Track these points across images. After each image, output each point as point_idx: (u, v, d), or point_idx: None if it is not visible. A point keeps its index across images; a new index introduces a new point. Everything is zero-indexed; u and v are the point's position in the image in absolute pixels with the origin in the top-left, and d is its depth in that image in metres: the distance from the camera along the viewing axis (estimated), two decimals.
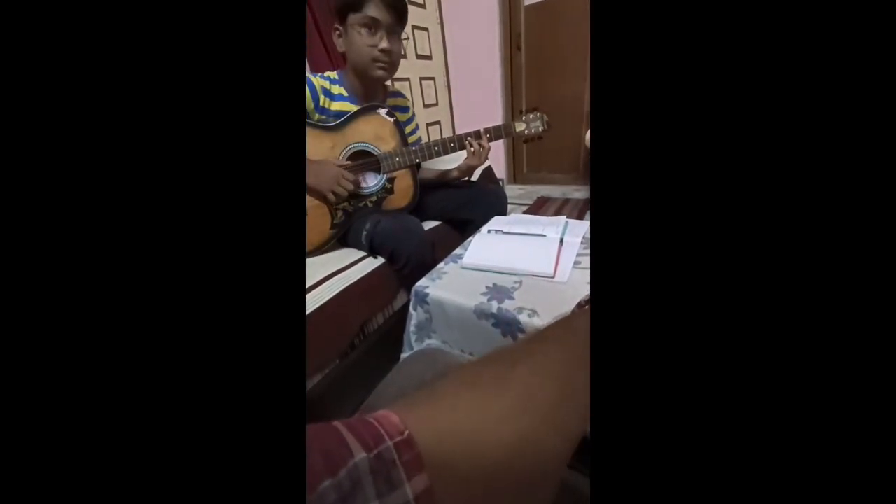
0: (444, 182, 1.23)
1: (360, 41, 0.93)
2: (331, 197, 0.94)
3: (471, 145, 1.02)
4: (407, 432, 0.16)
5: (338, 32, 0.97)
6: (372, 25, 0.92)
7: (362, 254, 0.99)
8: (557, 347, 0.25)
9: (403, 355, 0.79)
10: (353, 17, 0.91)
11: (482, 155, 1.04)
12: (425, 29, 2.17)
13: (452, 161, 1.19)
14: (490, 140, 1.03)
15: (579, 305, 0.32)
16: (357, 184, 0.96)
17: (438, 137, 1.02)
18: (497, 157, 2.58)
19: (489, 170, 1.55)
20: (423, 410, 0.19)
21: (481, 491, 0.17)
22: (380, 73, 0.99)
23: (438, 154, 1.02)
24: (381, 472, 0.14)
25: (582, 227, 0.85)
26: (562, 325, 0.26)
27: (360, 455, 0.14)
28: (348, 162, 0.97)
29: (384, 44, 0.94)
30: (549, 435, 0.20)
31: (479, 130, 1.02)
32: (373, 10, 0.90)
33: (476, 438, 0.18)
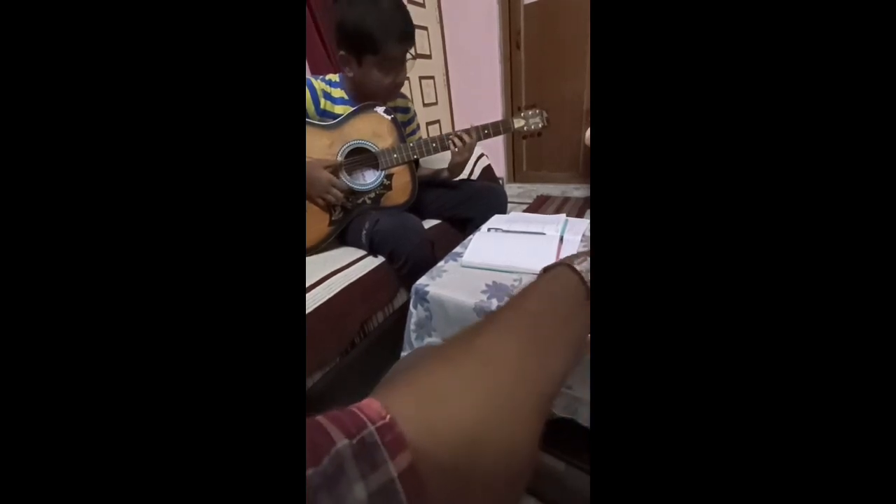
0: (440, 180, 1.23)
1: (377, 79, 0.94)
2: (320, 203, 0.95)
3: (454, 144, 1.02)
4: (388, 416, 0.17)
5: (345, 60, 0.94)
6: (390, 66, 0.93)
7: (362, 252, 0.99)
8: (517, 312, 0.26)
9: (403, 353, 0.79)
10: (369, 58, 0.90)
11: (464, 151, 1.04)
12: (425, 28, 2.17)
13: (449, 160, 1.19)
14: (488, 136, 1.03)
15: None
16: (349, 191, 0.97)
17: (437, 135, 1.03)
18: (497, 156, 2.58)
19: (489, 168, 1.55)
20: (401, 391, 0.20)
21: (464, 455, 0.18)
22: (391, 98, 1.03)
23: (436, 150, 1.02)
24: (363, 456, 0.15)
25: (582, 225, 0.85)
26: (516, 295, 0.28)
27: (343, 442, 0.15)
28: (344, 160, 0.97)
29: (400, 78, 0.96)
30: (516, 388, 0.21)
31: (477, 127, 1.02)
32: (390, 50, 0.89)
33: (449, 403, 0.19)
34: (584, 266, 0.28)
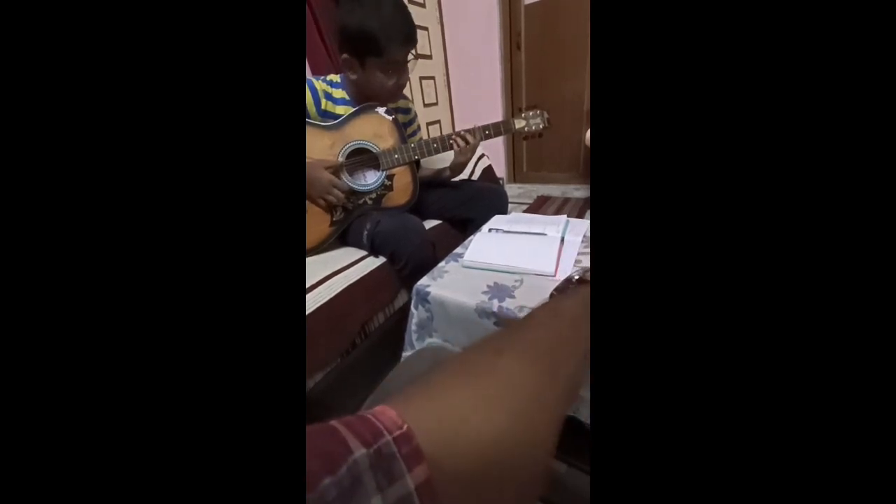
0: (441, 181, 1.23)
1: (381, 81, 0.94)
2: (321, 203, 0.95)
3: (457, 144, 1.03)
4: (405, 426, 0.16)
5: (348, 63, 0.94)
6: (393, 68, 0.93)
7: (363, 253, 0.99)
8: (542, 332, 0.26)
9: (405, 354, 0.79)
10: (372, 61, 0.90)
11: (467, 151, 1.05)
12: (425, 28, 2.17)
13: (450, 160, 1.20)
14: (489, 137, 1.04)
15: (565, 282, 0.33)
16: (350, 192, 0.97)
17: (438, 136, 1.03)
18: (497, 157, 2.58)
19: (489, 169, 1.55)
20: (418, 403, 0.19)
21: (480, 474, 0.18)
22: (393, 100, 1.04)
23: (437, 151, 1.02)
24: (381, 467, 0.15)
25: (583, 226, 0.85)
26: (546, 309, 0.27)
27: (360, 451, 0.15)
28: (345, 160, 0.97)
29: (402, 79, 0.96)
30: (536, 414, 0.21)
31: (478, 127, 1.03)
32: (394, 52, 0.89)
33: (469, 422, 0.19)
34: None
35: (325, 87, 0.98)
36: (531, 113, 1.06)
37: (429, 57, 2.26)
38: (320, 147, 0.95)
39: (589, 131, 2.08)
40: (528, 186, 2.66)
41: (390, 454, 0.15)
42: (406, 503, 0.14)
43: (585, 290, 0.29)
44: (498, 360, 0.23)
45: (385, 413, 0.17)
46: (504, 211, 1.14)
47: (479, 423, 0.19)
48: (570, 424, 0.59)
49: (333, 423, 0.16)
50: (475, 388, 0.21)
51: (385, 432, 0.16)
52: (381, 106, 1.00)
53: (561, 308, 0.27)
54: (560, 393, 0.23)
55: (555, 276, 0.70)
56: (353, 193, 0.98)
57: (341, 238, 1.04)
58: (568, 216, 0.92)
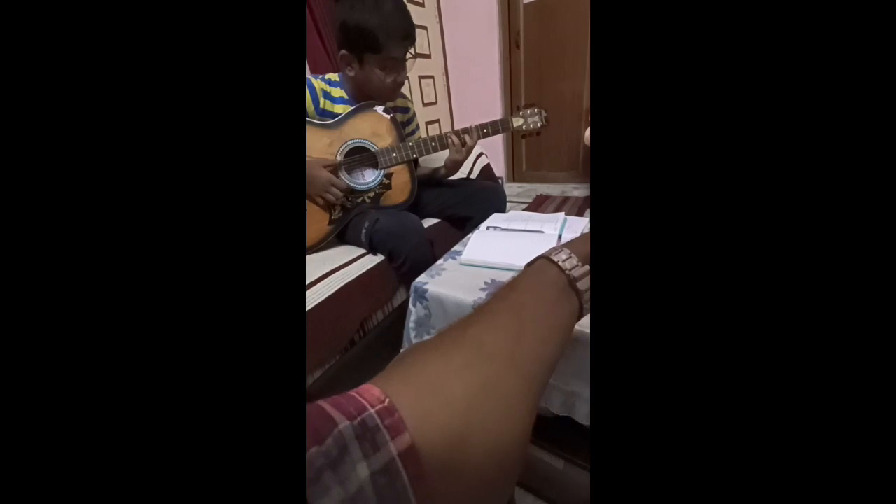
0: (438, 179, 1.23)
1: (380, 79, 0.94)
2: (320, 202, 0.95)
3: (453, 142, 1.03)
4: (387, 400, 0.18)
5: (346, 59, 0.94)
6: (391, 65, 0.93)
7: (361, 251, 0.99)
8: (506, 302, 0.27)
9: (403, 351, 0.79)
10: (371, 57, 0.91)
11: (463, 151, 1.04)
12: (424, 27, 2.17)
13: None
14: (487, 135, 1.04)
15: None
16: (349, 190, 0.97)
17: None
18: (496, 156, 2.58)
19: (488, 167, 1.55)
20: (397, 379, 0.20)
21: (459, 438, 0.19)
22: (392, 98, 1.03)
23: (435, 149, 1.02)
24: (365, 437, 0.16)
25: (580, 224, 0.85)
26: (508, 286, 0.29)
27: (344, 423, 0.16)
28: (344, 159, 0.97)
29: (401, 77, 0.96)
30: (508, 376, 0.22)
31: (476, 125, 1.03)
32: (392, 50, 0.90)
33: (444, 391, 0.20)
34: (560, 257, 0.30)
35: (324, 86, 0.98)
36: (530, 111, 1.06)
37: (427, 56, 2.26)
38: (319, 145, 0.94)
39: (588, 130, 2.08)
40: (527, 185, 2.66)
41: (374, 426, 0.16)
42: (390, 468, 0.15)
43: (532, 265, 0.31)
44: (466, 331, 0.24)
45: (369, 390, 0.18)
46: (502, 209, 1.14)
47: (453, 390, 0.20)
48: (568, 422, 0.60)
49: (320, 402, 0.17)
50: (447, 358, 0.22)
51: (368, 406, 0.17)
52: (380, 104, 0.99)
53: (514, 282, 0.29)
54: (531, 353, 0.24)
55: None
56: (351, 192, 0.98)
57: (340, 236, 1.04)
58: (567, 214, 0.92)
